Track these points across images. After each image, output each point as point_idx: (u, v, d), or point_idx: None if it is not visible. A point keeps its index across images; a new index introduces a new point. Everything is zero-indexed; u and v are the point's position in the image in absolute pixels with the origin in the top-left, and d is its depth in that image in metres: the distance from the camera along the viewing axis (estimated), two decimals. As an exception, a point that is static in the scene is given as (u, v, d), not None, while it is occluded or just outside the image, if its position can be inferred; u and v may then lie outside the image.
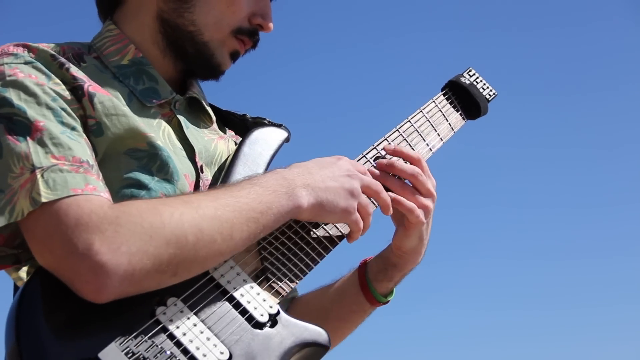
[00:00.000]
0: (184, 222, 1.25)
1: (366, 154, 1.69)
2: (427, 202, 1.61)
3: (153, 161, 1.43)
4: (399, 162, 1.63)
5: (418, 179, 1.61)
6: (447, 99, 1.92)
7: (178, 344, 1.26)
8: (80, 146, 1.33)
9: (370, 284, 1.71)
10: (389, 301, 1.75)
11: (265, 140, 1.63)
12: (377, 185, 1.56)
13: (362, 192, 1.53)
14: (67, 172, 1.27)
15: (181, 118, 1.58)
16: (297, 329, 1.41)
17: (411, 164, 1.64)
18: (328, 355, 1.46)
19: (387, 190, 1.59)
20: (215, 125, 1.68)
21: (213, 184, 1.55)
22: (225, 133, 1.74)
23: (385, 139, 1.74)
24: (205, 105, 1.67)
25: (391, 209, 1.58)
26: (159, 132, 1.51)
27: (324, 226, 1.57)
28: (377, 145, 1.72)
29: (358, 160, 1.67)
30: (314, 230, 1.55)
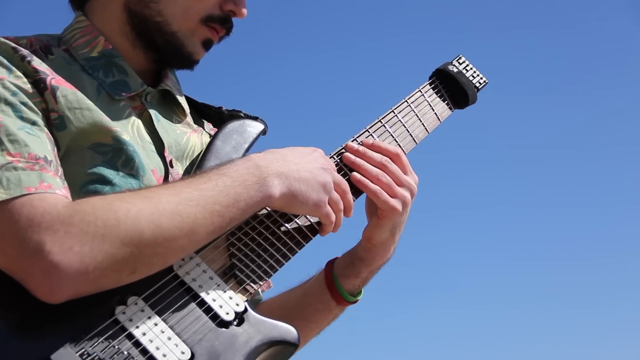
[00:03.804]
0: (140, 219, 1.22)
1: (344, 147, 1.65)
2: (401, 191, 1.57)
3: (118, 156, 1.40)
4: (369, 151, 1.61)
5: (388, 168, 1.58)
6: (433, 88, 1.86)
7: (137, 344, 1.24)
8: (38, 142, 1.31)
9: (337, 280, 1.66)
10: (356, 301, 1.69)
11: (240, 133, 1.60)
12: (345, 185, 1.53)
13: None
14: (22, 170, 1.24)
15: (152, 111, 1.54)
16: (265, 327, 1.37)
17: (390, 159, 1.61)
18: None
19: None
20: (188, 118, 1.65)
21: None
22: (201, 126, 1.70)
23: (367, 130, 1.69)
24: (179, 98, 1.63)
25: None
26: (128, 125, 1.48)
27: (297, 221, 1.53)
28: (357, 137, 1.68)
29: (337, 153, 1.63)
30: (286, 225, 1.51)
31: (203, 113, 1.74)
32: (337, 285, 1.66)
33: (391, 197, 1.56)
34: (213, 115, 1.72)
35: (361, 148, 1.61)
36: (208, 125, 1.74)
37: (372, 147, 1.62)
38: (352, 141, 1.66)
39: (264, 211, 1.50)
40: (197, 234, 1.29)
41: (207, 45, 1.60)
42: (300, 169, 1.44)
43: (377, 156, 1.60)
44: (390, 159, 1.61)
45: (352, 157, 1.60)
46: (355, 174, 1.58)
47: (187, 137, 1.59)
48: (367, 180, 1.57)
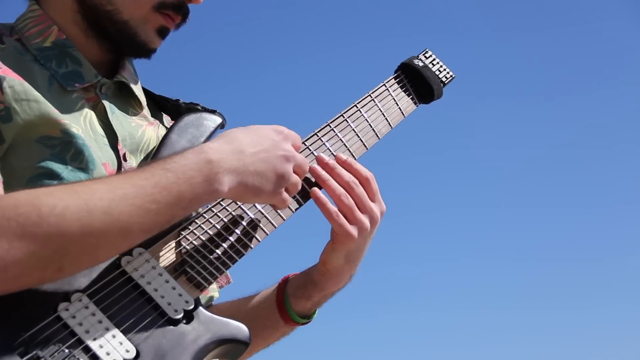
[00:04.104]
0: (66, 216, 1.15)
1: (305, 140, 1.62)
2: (361, 217, 1.49)
3: (67, 149, 1.37)
4: (339, 167, 1.53)
5: (354, 191, 1.50)
6: (398, 82, 1.84)
7: (79, 341, 1.21)
8: None
9: (287, 300, 1.60)
10: (307, 322, 1.63)
11: (196, 127, 1.56)
12: (306, 167, 1.46)
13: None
14: None
15: (106, 103, 1.51)
16: (215, 325, 1.35)
17: (360, 182, 1.52)
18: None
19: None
20: (145, 111, 1.62)
21: None
22: (159, 118, 1.67)
23: (328, 125, 1.67)
24: (135, 90, 1.60)
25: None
26: (80, 118, 1.44)
27: (251, 214, 1.50)
28: (318, 132, 1.65)
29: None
30: (239, 219, 1.49)
31: (161, 105, 1.70)
32: (287, 306, 1.61)
33: (350, 221, 1.49)
34: (170, 108, 1.68)
35: (331, 162, 1.53)
36: (166, 118, 1.70)
37: (344, 164, 1.54)
38: (313, 135, 1.63)
39: (219, 206, 1.48)
40: (131, 233, 1.22)
41: (162, 33, 1.55)
42: (257, 160, 1.34)
43: (346, 175, 1.52)
44: (359, 181, 1.52)
45: (320, 170, 1.52)
46: (315, 189, 1.50)
47: (142, 130, 1.56)
48: (326, 200, 1.49)
